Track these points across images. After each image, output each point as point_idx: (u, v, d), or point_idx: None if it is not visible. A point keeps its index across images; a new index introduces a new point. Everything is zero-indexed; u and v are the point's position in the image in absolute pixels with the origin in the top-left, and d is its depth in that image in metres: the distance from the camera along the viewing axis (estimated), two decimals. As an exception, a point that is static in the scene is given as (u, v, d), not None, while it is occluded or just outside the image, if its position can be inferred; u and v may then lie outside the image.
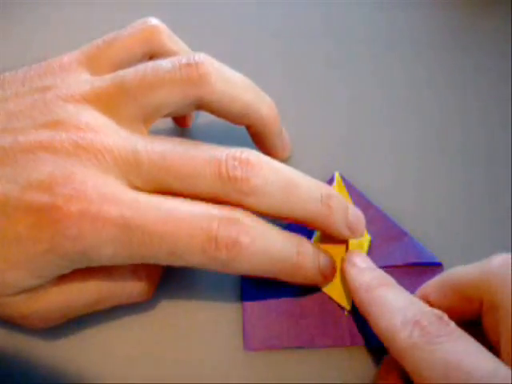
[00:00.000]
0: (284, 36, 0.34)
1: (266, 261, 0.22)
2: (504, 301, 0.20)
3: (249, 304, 0.25)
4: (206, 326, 0.25)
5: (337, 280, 0.25)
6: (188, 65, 0.24)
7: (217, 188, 0.22)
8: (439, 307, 0.22)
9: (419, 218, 0.28)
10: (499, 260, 0.21)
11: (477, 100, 0.32)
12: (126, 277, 0.24)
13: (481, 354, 0.19)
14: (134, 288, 0.24)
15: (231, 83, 0.25)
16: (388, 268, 0.25)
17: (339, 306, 0.25)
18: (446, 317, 0.21)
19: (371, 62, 0.33)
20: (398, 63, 0.33)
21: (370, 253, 0.26)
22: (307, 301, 0.25)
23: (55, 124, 0.22)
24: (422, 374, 0.19)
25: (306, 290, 0.25)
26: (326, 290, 0.25)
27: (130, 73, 0.24)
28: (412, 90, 0.32)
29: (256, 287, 0.25)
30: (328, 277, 0.24)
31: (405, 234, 0.27)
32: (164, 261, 0.22)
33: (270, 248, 0.22)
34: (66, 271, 0.22)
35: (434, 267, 0.26)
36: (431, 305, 0.22)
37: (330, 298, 0.25)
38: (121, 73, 0.24)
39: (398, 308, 0.21)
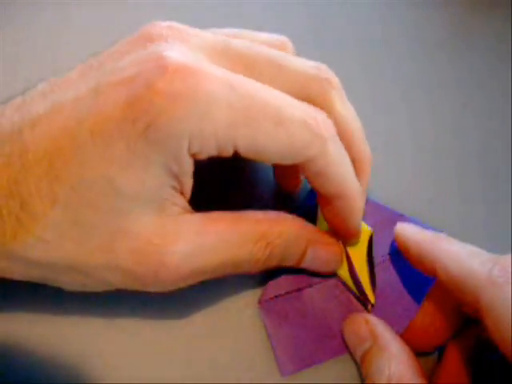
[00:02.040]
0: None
1: (348, 166, 0.22)
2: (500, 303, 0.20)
3: (273, 329, 0.25)
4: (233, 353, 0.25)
5: (363, 274, 0.25)
6: (320, 68, 0.22)
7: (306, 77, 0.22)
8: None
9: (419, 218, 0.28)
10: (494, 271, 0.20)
11: (477, 100, 0.32)
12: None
13: None
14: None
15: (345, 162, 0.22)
16: (394, 253, 0.25)
17: (363, 302, 0.25)
18: None
19: (371, 62, 0.33)
20: (398, 63, 0.33)
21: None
22: (328, 310, 0.25)
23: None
24: (497, 312, 0.19)
25: (325, 299, 0.25)
26: (346, 279, 0.25)
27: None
28: (412, 90, 0.32)
29: (275, 310, 0.25)
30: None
31: (401, 216, 0.27)
32: (272, 139, 0.20)
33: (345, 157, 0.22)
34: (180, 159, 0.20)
35: (438, 239, 0.26)
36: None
37: (352, 294, 0.25)
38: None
39: (470, 251, 0.21)
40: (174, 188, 0.21)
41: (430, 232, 0.23)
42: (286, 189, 0.28)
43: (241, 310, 0.25)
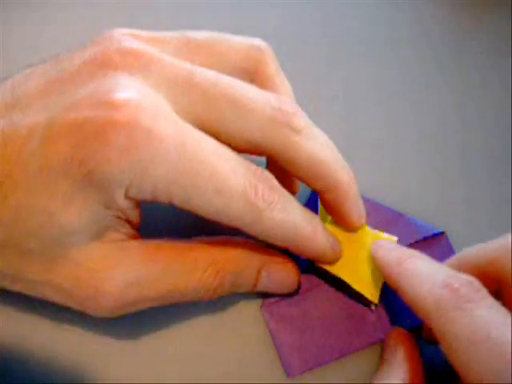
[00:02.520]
0: (283, 36, 0.34)
1: (290, 223, 0.22)
2: None
3: (277, 332, 0.25)
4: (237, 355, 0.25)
5: (365, 274, 0.25)
6: (281, 109, 0.22)
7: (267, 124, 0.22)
8: None
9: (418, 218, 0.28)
10: None
11: (477, 100, 0.32)
12: (197, 263, 0.23)
13: (510, 325, 0.18)
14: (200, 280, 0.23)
15: (317, 144, 0.23)
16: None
17: (365, 301, 0.25)
18: (477, 282, 0.20)
19: (371, 62, 0.33)
20: (397, 63, 0.33)
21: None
22: (332, 310, 0.25)
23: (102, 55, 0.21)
24: (449, 339, 0.19)
25: (328, 300, 0.25)
26: (356, 286, 0.25)
27: (213, 74, 0.22)
28: (412, 90, 0.32)
29: (278, 314, 0.25)
30: (337, 253, 0.24)
31: (400, 215, 0.27)
32: (207, 203, 0.21)
33: (295, 211, 0.22)
34: (118, 206, 0.21)
35: (437, 238, 0.26)
36: None
37: (356, 294, 0.25)
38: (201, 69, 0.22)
39: (427, 274, 0.21)
40: (117, 217, 0.21)
41: (401, 251, 0.23)
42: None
43: (243, 310, 0.26)
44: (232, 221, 0.21)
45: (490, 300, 0.19)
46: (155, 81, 0.21)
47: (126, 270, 0.21)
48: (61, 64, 0.22)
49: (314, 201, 0.27)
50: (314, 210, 0.25)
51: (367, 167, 0.29)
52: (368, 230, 0.25)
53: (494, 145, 0.30)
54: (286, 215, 0.22)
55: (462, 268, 0.22)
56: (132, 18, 0.32)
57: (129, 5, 0.34)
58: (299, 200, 0.23)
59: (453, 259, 0.23)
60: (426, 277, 0.21)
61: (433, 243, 0.26)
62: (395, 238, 0.25)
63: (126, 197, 0.20)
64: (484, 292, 0.20)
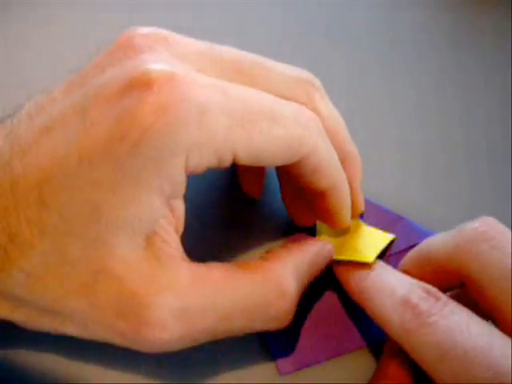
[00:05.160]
0: (284, 36, 0.34)
1: None
2: (480, 274, 0.20)
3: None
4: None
5: (357, 246, 0.24)
6: (303, 72, 0.22)
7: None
8: (421, 280, 0.21)
9: (419, 218, 0.28)
10: (468, 232, 0.21)
11: (477, 100, 0.32)
12: (271, 288, 0.21)
13: (474, 327, 0.19)
14: (279, 306, 0.21)
15: (332, 107, 0.23)
16: (393, 255, 0.25)
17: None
18: (434, 290, 0.20)
19: (371, 61, 0.33)
20: (397, 63, 0.33)
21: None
22: (326, 310, 0.25)
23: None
24: (421, 358, 0.19)
25: (323, 299, 0.25)
26: (343, 256, 0.24)
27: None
28: (411, 90, 0.32)
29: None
30: None
31: (400, 218, 0.27)
32: (266, 135, 0.20)
33: None
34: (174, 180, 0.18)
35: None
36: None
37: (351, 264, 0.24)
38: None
39: (387, 288, 0.21)
40: (165, 218, 0.19)
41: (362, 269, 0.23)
42: (251, 195, 0.27)
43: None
44: (295, 153, 0.20)
45: (451, 306, 0.20)
46: (181, 55, 0.20)
47: (175, 296, 0.19)
48: (80, 72, 0.21)
49: None
50: None
51: (367, 168, 0.29)
52: (360, 222, 0.25)
53: (496, 146, 0.30)
54: (332, 147, 0.22)
55: (421, 264, 0.22)
56: (133, 18, 0.32)
57: (129, 5, 0.34)
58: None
59: (413, 255, 0.23)
60: (386, 294, 0.21)
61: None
62: (391, 236, 0.25)
63: (186, 169, 0.18)
64: (443, 299, 0.20)
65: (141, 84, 0.18)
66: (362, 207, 0.25)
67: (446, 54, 0.34)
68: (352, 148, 0.24)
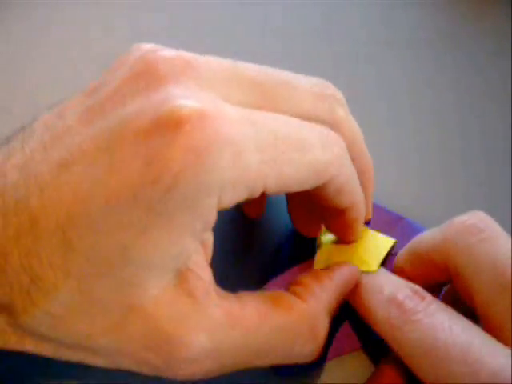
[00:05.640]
0: (283, 36, 0.34)
1: None
2: (466, 267, 0.20)
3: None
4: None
5: (355, 249, 0.24)
6: (324, 84, 0.22)
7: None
8: (414, 277, 0.22)
9: (419, 218, 0.28)
10: (457, 225, 0.21)
11: (477, 100, 0.32)
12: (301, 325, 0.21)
13: (456, 326, 0.19)
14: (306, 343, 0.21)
15: (354, 122, 0.23)
16: (393, 255, 0.25)
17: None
18: (421, 290, 0.21)
19: (371, 61, 0.33)
20: (397, 63, 0.33)
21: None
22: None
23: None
24: (406, 354, 0.20)
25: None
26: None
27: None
28: (412, 90, 0.32)
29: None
30: None
31: (401, 218, 0.27)
32: (295, 165, 0.19)
33: None
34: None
35: (437, 242, 0.26)
36: (407, 276, 0.22)
37: None
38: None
39: (375, 286, 0.22)
40: (199, 255, 0.19)
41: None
42: (252, 216, 0.27)
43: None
44: (321, 177, 0.20)
45: (435, 306, 0.20)
46: (206, 81, 0.19)
47: (208, 336, 0.19)
48: (95, 91, 0.20)
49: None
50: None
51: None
52: (364, 227, 0.25)
53: (496, 146, 0.30)
54: (353, 166, 0.22)
55: (413, 259, 0.23)
56: (135, 18, 0.32)
57: (130, 5, 0.34)
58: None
59: (405, 250, 0.23)
60: (374, 291, 0.22)
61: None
62: (392, 240, 0.25)
63: (218, 207, 0.18)
64: (429, 299, 0.20)
65: (170, 124, 0.17)
66: (370, 215, 0.26)
67: (445, 54, 0.34)
68: (368, 160, 0.24)
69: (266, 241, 0.27)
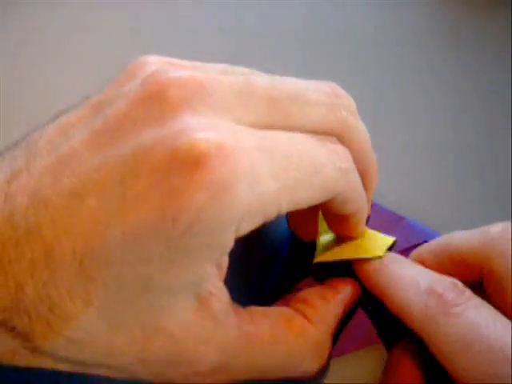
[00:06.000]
0: (285, 36, 0.34)
1: None
2: (504, 271, 0.20)
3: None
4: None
5: (357, 244, 0.24)
6: (335, 92, 0.21)
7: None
8: (437, 271, 0.21)
9: (419, 218, 0.28)
10: (499, 228, 0.21)
11: (477, 100, 0.32)
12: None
13: (499, 324, 0.19)
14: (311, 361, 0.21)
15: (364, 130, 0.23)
16: (394, 255, 0.25)
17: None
18: (460, 284, 0.20)
19: (371, 61, 0.33)
20: (397, 63, 0.33)
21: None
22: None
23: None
24: (442, 348, 0.19)
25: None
26: (353, 255, 0.24)
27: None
28: (411, 90, 0.32)
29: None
30: None
31: (401, 218, 0.27)
32: (307, 187, 0.19)
33: None
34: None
35: (438, 242, 0.26)
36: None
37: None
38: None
39: (410, 279, 0.21)
40: (216, 276, 0.19)
41: (390, 256, 0.23)
42: (305, 237, 0.26)
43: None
44: (329, 193, 0.20)
45: (476, 300, 0.20)
46: (219, 103, 0.19)
47: (225, 355, 0.19)
48: (101, 109, 0.19)
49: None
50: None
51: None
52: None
53: (496, 146, 0.30)
54: (358, 175, 0.22)
55: (441, 257, 0.22)
56: (134, 18, 0.32)
57: (130, 4, 0.34)
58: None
59: (433, 247, 0.23)
60: (409, 284, 0.21)
61: (432, 247, 0.26)
62: (392, 239, 0.25)
63: (236, 236, 0.18)
64: (469, 293, 0.20)
65: (189, 160, 0.17)
66: (369, 213, 0.25)
67: (445, 54, 0.34)
68: (373, 162, 0.24)
69: (264, 243, 0.27)
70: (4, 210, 0.18)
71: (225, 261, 0.20)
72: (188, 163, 0.17)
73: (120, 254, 0.17)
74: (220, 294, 0.20)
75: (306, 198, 0.19)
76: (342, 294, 0.23)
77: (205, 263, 0.18)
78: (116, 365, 0.19)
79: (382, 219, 0.27)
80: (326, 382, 0.24)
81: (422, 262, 0.23)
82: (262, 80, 0.20)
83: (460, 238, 0.22)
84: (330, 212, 0.22)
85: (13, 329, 0.18)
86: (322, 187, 0.20)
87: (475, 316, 0.19)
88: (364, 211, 0.23)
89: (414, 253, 0.23)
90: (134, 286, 0.18)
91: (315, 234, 0.25)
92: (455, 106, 0.32)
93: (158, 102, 0.18)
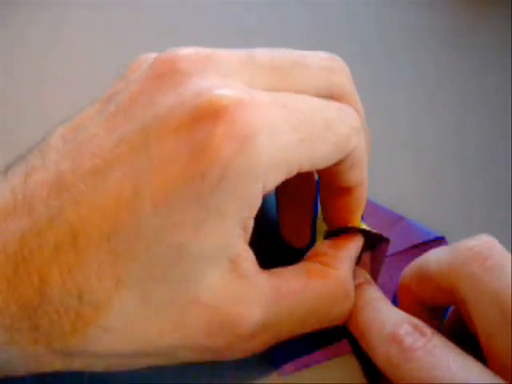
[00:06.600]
0: (285, 36, 0.34)
1: None
2: (469, 296, 0.20)
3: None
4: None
5: None
6: (332, 58, 0.22)
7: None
8: (420, 296, 0.22)
9: (419, 218, 0.28)
10: (463, 251, 0.21)
11: (477, 100, 0.32)
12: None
13: (455, 364, 0.19)
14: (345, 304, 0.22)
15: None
16: (394, 255, 0.25)
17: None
18: (421, 324, 0.20)
19: (371, 61, 0.33)
20: (397, 63, 0.33)
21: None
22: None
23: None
24: None
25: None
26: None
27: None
28: (411, 90, 0.32)
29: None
30: None
31: (401, 218, 0.27)
32: (323, 141, 0.20)
33: None
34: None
35: (437, 242, 0.26)
36: (414, 294, 0.22)
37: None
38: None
39: (378, 324, 0.21)
40: (243, 238, 0.19)
41: (360, 298, 0.23)
42: (297, 244, 0.26)
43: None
44: (344, 150, 0.20)
45: (435, 341, 0.20)
46: (228, 72, 0.19)
47: (263, 312, 0.19)
48: (111, 98, 0.19)
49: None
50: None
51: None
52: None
53: (496, 146, 0.30)
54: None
55: (419, 280, 0.22)
56: (135, 18, 0.32)
57: (130, 4, 0.34)
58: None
59: (411, 269, 0.23)
60: (376, 329, 0.21)
61: (432, 247, 0.26)
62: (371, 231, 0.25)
63: (263, 191, 0.18)
64: (429, 334, 0.20)
65: (210, 114, 0.17)
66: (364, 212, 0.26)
67: (445, 54, 0.34)
68: (367, 131, 0.24)
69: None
70: (23, 205, 0.17)
71: (250, 223, 0.19)
72: (210, 118, 0.17)
73: (151, 223, 0.17)
74: (247, 255, 0.19)
75: (324, 154, 0.20)
76: (350, 240, 0.24)
77: (234, 223, 0.18)
78: (155, 350, 0.18)
79: (382, 219, 0.27)
80: (326, 382, 0.24)
81: (408, 288, 0.23)
82: (262, 51, 0.21)
83: (433, 261, 0.22)
84: (333, 185, 0.23)
85: (37, 328, 0.17)
86: (335, 143, 0.20)
87: (432, 359, 0.19)
88: (366, 185, 0.23)
89: (403, 277, 0.24)
90: (166, 257, 0.17)
91: (306, 239, 0.26)
92: (456, 106, 0.32)
93: (169, 75, 0.18)
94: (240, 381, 0.24)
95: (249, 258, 0.20)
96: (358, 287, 0.23)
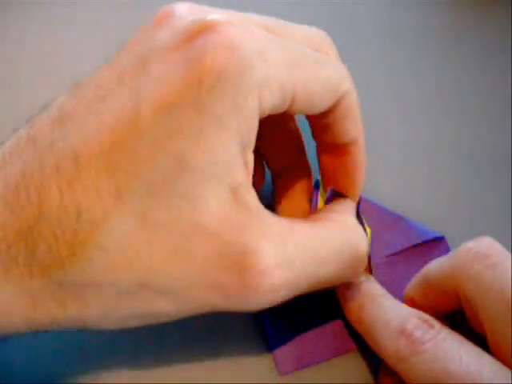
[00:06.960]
0: None
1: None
2: (475, 295, 0.20)
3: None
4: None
5: None
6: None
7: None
8: (425, 307, 0.22)
9: (419, 218, 0.28)
10: (464, 253, 0.21)
11: (478, 99, 0.32)
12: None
13: (466, 355, 0.19)
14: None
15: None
16: (393, 255, 0.25)
17: None
18: (429, 318, 0.21)
19: (371, 61, 0.33)
20: (396, 63, 0.33)
21: (372, 244, 0.26)
22: (327, 309, 0.25)
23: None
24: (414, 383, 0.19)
25: (323, 299, 0.25)
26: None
27: None
28: (412, 89, 0.32)
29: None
30: None
31: (400, 218, 0.27)
32: (314, 73, 0.20)
33: None
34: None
35: (437, 242, 0.26)
36: (418, 306, 0.22)
37: None
38: None
39: (384, 319, 0.21)
40: (244, 169, 0.19)
41: (363, 295, 0.23)
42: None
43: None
44: (336, 91, 0.21)
45: (445, 333, 0.20)
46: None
47: (273, 243, 0.18)
48: (123, 55, 0.20)
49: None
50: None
51: (367, 169, 0.29)
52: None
53: (497, 146, 0.30)
54: None
55: (423, 289, 0.22)
56: (135, 18, 0.32)
57: (130, 4, 0.34)
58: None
59: (416, 280, 0.23)
60: (383, 324, 0.21)
61: (432, 247, 0.26)
62: (369, 228, 0.25)
63: (259, 108, 0.18)
64: (438, 327, 0.20)
65: (204, 31, 0.18)
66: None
67: (445, 54, 0.34)
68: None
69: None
70: (27, 141, 0.18)
71: (251, 159, 0.19)
72: (203, 33, 0.18)
73: (151, 132, 0.17)
74: (250, 191, 0.19)
75: (317, 90, 0.20)
76: (347, 197, 0.24)
77: (233, 137, 0.18)
78: (158, 284, 0.18)
79: (381, 219, 0.27)
80: (326, 382, 0.24)
81: (412, 300, 0.23)
82: (256, 15, 0.22)
83: (435, 267, 0.22)
84: (330, 139, 0.23)
85: (33, 254, 0.17)
86: (326, 79, 0.20)
87: (441, 351, 0.19)
88: (363, 146, 0.23)
89: (406, 292, 0.23)
90: (165, 168, 0.17)
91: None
92: (455, 106, 0.32)
93: (165, 19, 0.20)
94: (240, 381, 0.24)
95: (252, 193, 0.19)
96: (360, 285, 0.23)
